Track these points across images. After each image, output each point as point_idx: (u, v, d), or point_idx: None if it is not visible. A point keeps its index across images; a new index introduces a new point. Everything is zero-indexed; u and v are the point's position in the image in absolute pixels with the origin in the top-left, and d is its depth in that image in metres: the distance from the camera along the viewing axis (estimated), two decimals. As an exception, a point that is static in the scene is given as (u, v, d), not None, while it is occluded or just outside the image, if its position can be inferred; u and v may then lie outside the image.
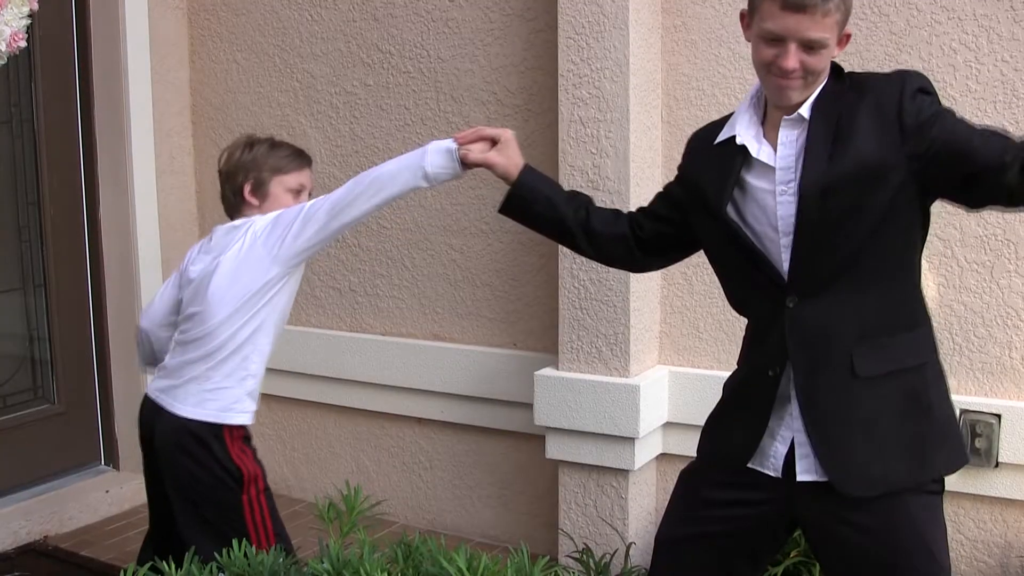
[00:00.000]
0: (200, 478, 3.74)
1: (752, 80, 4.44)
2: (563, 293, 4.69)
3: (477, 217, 5.10)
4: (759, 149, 2.97)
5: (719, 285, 4.63)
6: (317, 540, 2.61)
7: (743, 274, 3.08)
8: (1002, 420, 4.19)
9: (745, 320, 3.19)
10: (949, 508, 4.26)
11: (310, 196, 3.95)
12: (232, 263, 3.72)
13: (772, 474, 3.03)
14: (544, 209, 3.40)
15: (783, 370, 2.99)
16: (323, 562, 2.44)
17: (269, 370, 5.74)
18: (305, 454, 5.88)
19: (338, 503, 2.66)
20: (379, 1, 5.32)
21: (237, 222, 3.83)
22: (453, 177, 3.55)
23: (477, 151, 3.41)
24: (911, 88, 2.83)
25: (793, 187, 2.91)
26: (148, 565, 2.51)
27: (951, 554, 4.27)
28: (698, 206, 3.13)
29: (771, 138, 2.97)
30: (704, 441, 3.24)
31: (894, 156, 2.82)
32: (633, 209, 3.51)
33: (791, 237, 2.92)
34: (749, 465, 3.05)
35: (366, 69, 5.40)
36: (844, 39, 2.89)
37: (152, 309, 4.07)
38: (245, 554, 2.52)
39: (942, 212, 4.22)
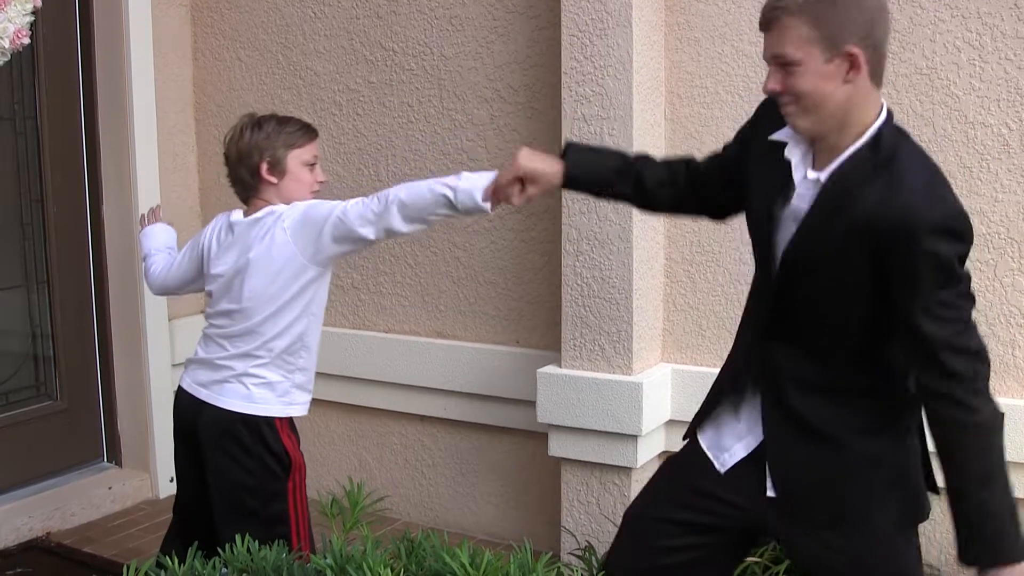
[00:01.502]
0: (248, 467, 3.75)
1: (755, 77, 4.47)
2: (566, 291, 4.69)
3: (480, 215, 5.11)
4: (798, 195, 2.83)
5: (722, 283, 4.65)
6: (320, 536, 2.62)
7: (758, 274, 3.07)
8: (1006, 419, 4.18)
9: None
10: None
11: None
12: (265, 262, 3.71)
13: (717, 467, 3.05)
14: (602, 185, 3.29)
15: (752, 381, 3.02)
16: (326, 557, 2.44)
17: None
18: (308, 451, 5.85)
19: (341, 499, 2.66)
20: (382, -2, 5.33)
21: (259, 213, 3.79)
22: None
23: (516, 199, 3.32)
24: (919, 241, 2.61)
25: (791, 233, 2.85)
26: (151, 562, 2.51)
27: (954, 552, 4.27)
28: (746, 189, 3.05)
29: (817, 163, 2.84)
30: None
31: (872, 278, 2.73)
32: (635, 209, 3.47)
33: (777, 274, 2.91)
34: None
35: (369, 66, 5.40)
36: (842, 62, 2.66)
37: (164, 279, 4.06)
38: (248, 549, 2.53)
39: (945, 210, 4.23)
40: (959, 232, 2.66)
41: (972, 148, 4.17)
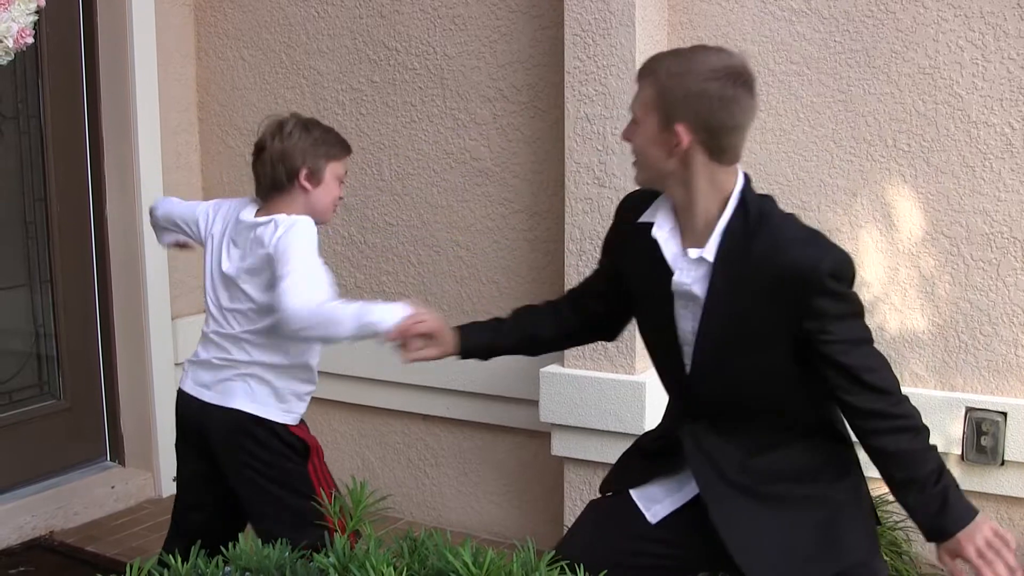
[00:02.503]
0: (266, 459, 3.74)
1: (757, 78, 4.45)
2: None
3: (483, 214, 5.11)
4: (677, 272, 2.93)
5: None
6: (323, 534, 2.62)
7: (660, 359, 3.17)
8: (1008, 418, 4.19)
9: None
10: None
11: None
12: (257, 277, 3.69)
13: (649, 518, 3.12)
14: (498, 353, 3.49)
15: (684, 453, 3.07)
16: (329, 556, 2.44)
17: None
18: (310, 451, 5.88)
19: (344, 498, 2.66)
20: (385, -2, 5.34)
21: (262, 219, 3.71)
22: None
23: (414, 352, 3.36)
24: (821, 284, 2.78)
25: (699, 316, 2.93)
26: (153, 561, 2.51)
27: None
28: (627, 282, 3.15)
29: (686, 242, 2.94)
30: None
31: (789, 330, 2.83)
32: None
33: (691, 360, 2.99)
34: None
35: (372, 66, 5.40)
36: (670, 136, 2.79)
37: (176, 209, 4.01)
38: (252, 548, 2.53)
39: (948, 210, 4.23)
40: (850, 275, 2.85)
41: (975, 147, 4.18)
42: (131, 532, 5.42)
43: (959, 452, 4.26)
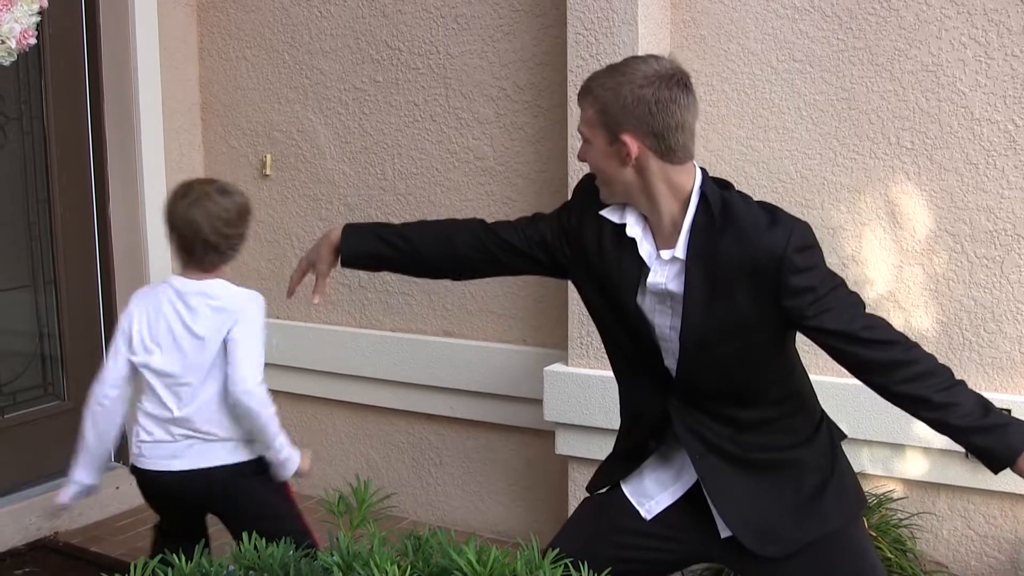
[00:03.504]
0: (261, 497, 3.80)
1: (760, 75, 4.47)
2: (573, 289, 4.68)
3: (486, 213, 5.10)
4: (652, 272, 2.99)
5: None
6: (327, 534, 2.61)
7: (629, 354, 3.17)
8: (1012, 415, 4.18)
9: None
10: (959, 503, 4.28)
11: None
12: (212, 348, 3.75)
13: (643, 514, 3.16)
14: (383, 267, 3.46)
15: (662, 442, 3.14)
16: (333, 555, 2.44)
17: (279, 366, 5.77)
18: (314, 450, 5.85)
19: (348, 497, 2.66)
20: (388, -3, 5.34)
21: (213, 294, 3.82)
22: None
23: (319, 287, 3.40)
24: (791, 263, 2.83)
25: (678, 312, 2.98)
26: (158, 558, 2.51)
27: (961, 549, 4.28)
28: (585, 272, 3.16)
29: (658, 241, 3.00)
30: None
31: (771, 313, 2.89)
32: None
33: (676, 356, 3.03)
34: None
35: (375, 65, 5.40)
36: (620, 146, 2.87)
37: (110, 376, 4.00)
38: (255, 547, 2.52)
39: (951, 207, 4.22)
40: (812, 242, 2.90)
41: (978, 145, 4.17)
42: (135, 533, 5.42)
43: (964, 449, 4.25)
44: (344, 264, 3.37)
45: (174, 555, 2.53)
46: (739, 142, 4.54)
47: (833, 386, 4.18)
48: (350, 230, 3.34)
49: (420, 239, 3.31)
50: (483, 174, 5.14)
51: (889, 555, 4.00)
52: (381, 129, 5.42)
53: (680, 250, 2.92)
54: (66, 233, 5.67)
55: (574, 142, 4.61)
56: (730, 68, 4.55)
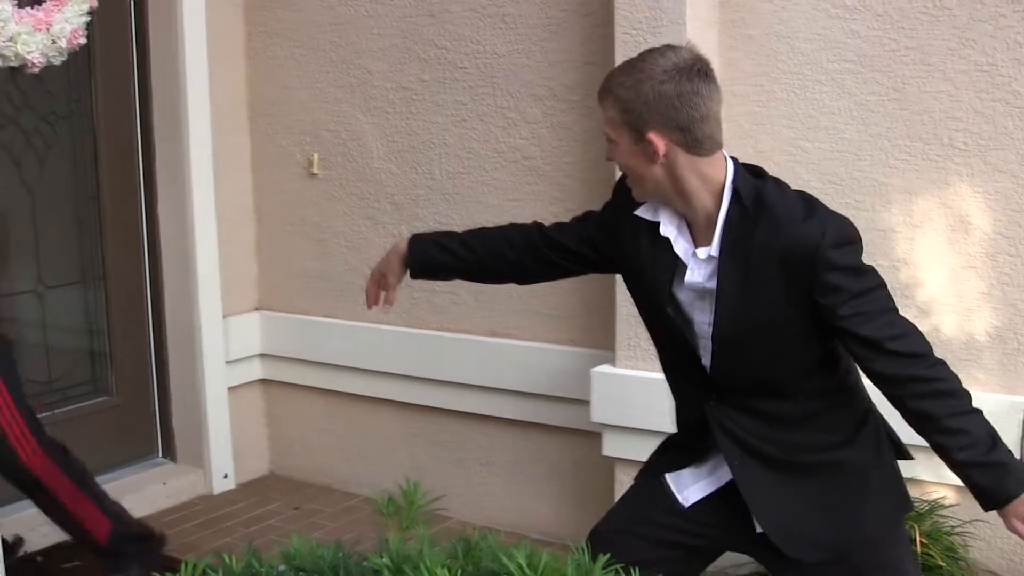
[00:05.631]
0: None
1: (810, 75, 4.44)
2: (620, 290, 4.66)
3: (534, 213, 5.08)
4: (689, 271, 2.97)
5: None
6: (375, 534, 2.61)
7: (670, 351, 3.19)
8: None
9: None
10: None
11: None
12: None
13: (680, 501, 3.16)
14: (449, 277, 3.55)
15: (703, 443, 3.13)
16: (383, 556, 2.44)
17: (327, 365, 5.80)
18: (361, 449, 5.90)
19: (396, 498, 2.66)
20: (435, -3, 5.34)
21: None
22: None
23: (391, 298, 3.48)
24: (826, 258, 2.80)
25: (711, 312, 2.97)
26: (208, 559, 2.51)
27: (1015, 558, 4.23)
28: (626, 269, 3.20)
29: (696, 238, 2.98)
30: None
31: (804, 307, 2.85)
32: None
33: (711, 352, 3.01)
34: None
35: (422, 65, 5.40)
36: (646, 145, 2.85)
37: None
38: (306, 547, 2.53)
39: (1006, 209, 4.18)
40: (852, 238, 2.87)
41: (1033, 146, 4.14)
42: (182, 528, 5.45)
43: (1017, 456, 4.21)
44: (413, 276, 3.44)
45: (223, 555, 2.53)
46: (788, 143, 4.51)
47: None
48: (416, 242, 3.40)
49: (482, 248, 3.36)
50: (530, 173, 5.13)
51: (941, 563, 3.96)
52: (428, 128, 5.42)
53: (715, 247, 2.89)
54: (115, 230, 5.71)
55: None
56: (779, 68, 4.52)
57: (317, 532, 5.28)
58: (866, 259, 4.33)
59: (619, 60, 4.59)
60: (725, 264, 2.88)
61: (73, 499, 4.49)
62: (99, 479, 5.60)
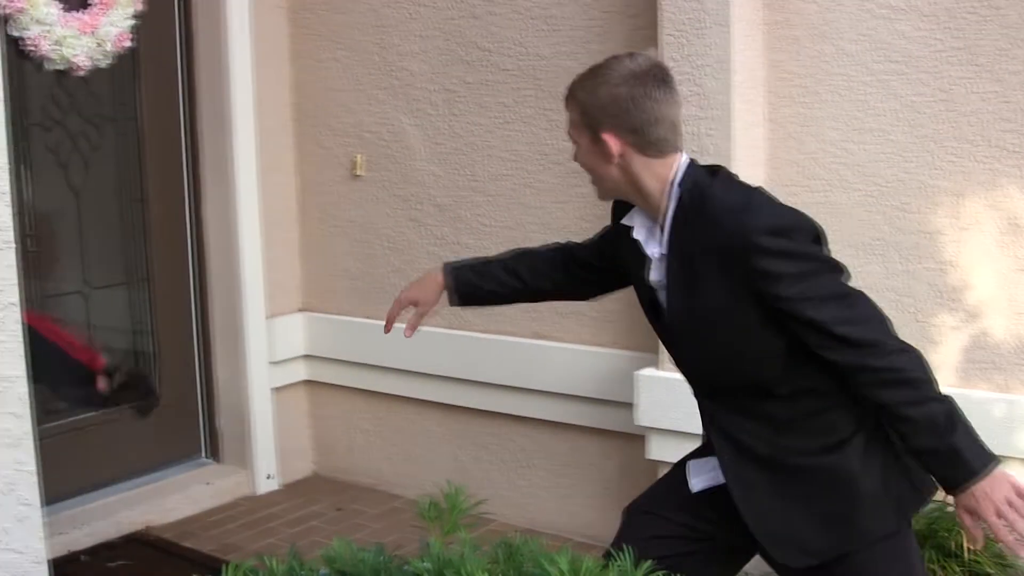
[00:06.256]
0: None
1: (856, 76, 4.41)
2: (664, 292, 4.66)
3: (578, 215, 5.08)
4: (653, 270, 3.05)
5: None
6: (418, 538, 2.61)
7: (666, 348, 3.28)
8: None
9: None
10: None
11: None
12: None
13: (691, 487, 3.20)
14: (492, 303, 3.67)
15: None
16: (424, 560, 2.43)
17: (371, 366, 5.80)
18: (404, 450, 5.90)
19: (439, 501, 2.65)
20: (479, -2, 5.33)
21: None
22: None
23: (413, 320, 3.55)
24: (757, 245, 2.81)
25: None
26: (250, 561, 2.51)
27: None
28: (625, 275, 3.27)
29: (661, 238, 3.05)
30: None
31: (748, 298, 2.87)
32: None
33: (678, 347, 3.12)
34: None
35: (465, 67, 5.40)
36: (603, 147, 2.94)
37: None
38: (347, 550, 2.53)
39: (1051, 211, 4.15)
40: (789, 227, 2.87)
41: (1085, 147, 4.09)
42: (226, 529, 5.48)
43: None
44: (455, 304, 3.52)
45: (265, 557, 2.53)
46: (834, 144, 4.49)
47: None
48: (457, 271, 3.48)
49: (527, 273, 3.47)
50: (574, 176, 5.09)
51: (990, 570, 3.93)
52: (471, 130, 5.42)
53: (664, 246, 2.98)
54: (160, 232, 5.74)
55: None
56: (824, 70, 4.49)
57: (360, 533, 5.29)
58: (912, 261, 4.32)
59: (664, 62, 4.58)
60: (671, 261, 2.97)
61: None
62: (144, 478, 5.68)
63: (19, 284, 3.65)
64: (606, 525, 5.19)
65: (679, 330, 3.04)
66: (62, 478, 5.22)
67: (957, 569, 3.95)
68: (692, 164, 2.99)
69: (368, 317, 5.86)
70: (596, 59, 4.95)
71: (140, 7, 5.38)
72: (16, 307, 3.62)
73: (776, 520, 3.03)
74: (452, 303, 3.49)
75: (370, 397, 5.98)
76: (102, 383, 3.86)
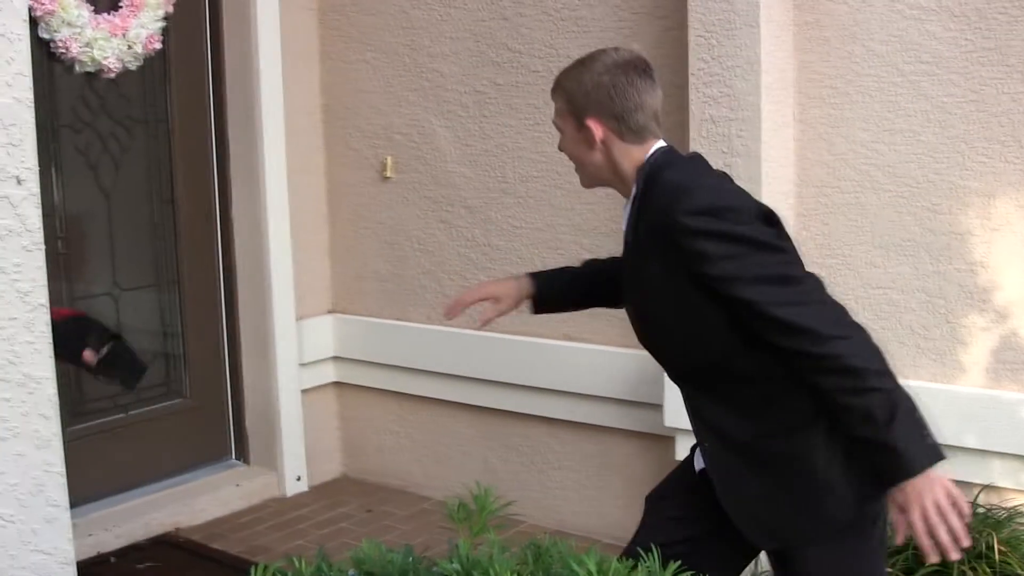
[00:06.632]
0: None
1: (886, 77, 4.40)
2: (693, 293, 4.65)
3: (607, 216, 5.07)
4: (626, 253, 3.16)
5: (853, 287, 4.57)
6: (447, 540, 2.61)
7: None
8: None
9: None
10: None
11: None
12: None
13: (696, 465, 3.26)
14: (570, 309, 3.79)
15: None
16: (453, 562, 2.43)
17: (402, 368, 5.81)
18: (433, 451, 5.91)
19: (467, 502, 2.65)
20: (508, 0, 5.32)
21: None
22: None
23: (490, 314, 3.56)
24: (684, 226, 2.86)
25: None
26: (278, 563, 2.52)
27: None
28: None
29: None
30: None
31: (686, 280, 2.91)
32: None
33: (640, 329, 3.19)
34: None
35: (495, 68, 5.40)
36: (587, 132, 3.04)
37: None
38: (376, 552, 2.53)
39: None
40: (720, 208, 2.88)
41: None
42: (255, 531, 5.48)
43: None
44: (533, 313, 3.63)
45: (294, 558, 2.54)
46: (864, 146, 4.47)
47: (960, 396, 4.11)
48: (543, 287, 3.57)
49: (598, 279, 3.55)
50: (603, 177, 5.11)
51: (1020, 571, 3.90)
52: (501, 132, 5.42)
53: (627, 227, 3.08)
54: (189, 234, 5.75)
55: (696, 146, 4.57)
56: (854, 70, 4.48)
57: (389, 535, 5.30)
58: (943, 262, 4.30)
59: (692, 63, 4.58)
60: (628, 243, 3.07)
61: None
62: (173, 480, 5.70)
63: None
64: (635, 526, 5.20)
65: (635, 311, 3.14)
66: (91, 480, 5.26)
67: (987, 570, 3.92)
68: (664, 149, 3.07)
69: (398, 319, 5.86)
70: (625, 60, 4.98)
71: (169, 9, 5.40)
72: (45, 309, 3.63)
73: (746, 503, 3.05)
74: (531, 311, 3.60)
75: (399, 399, 5.98)
76: (88, 355, 3.87)
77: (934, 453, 2.78)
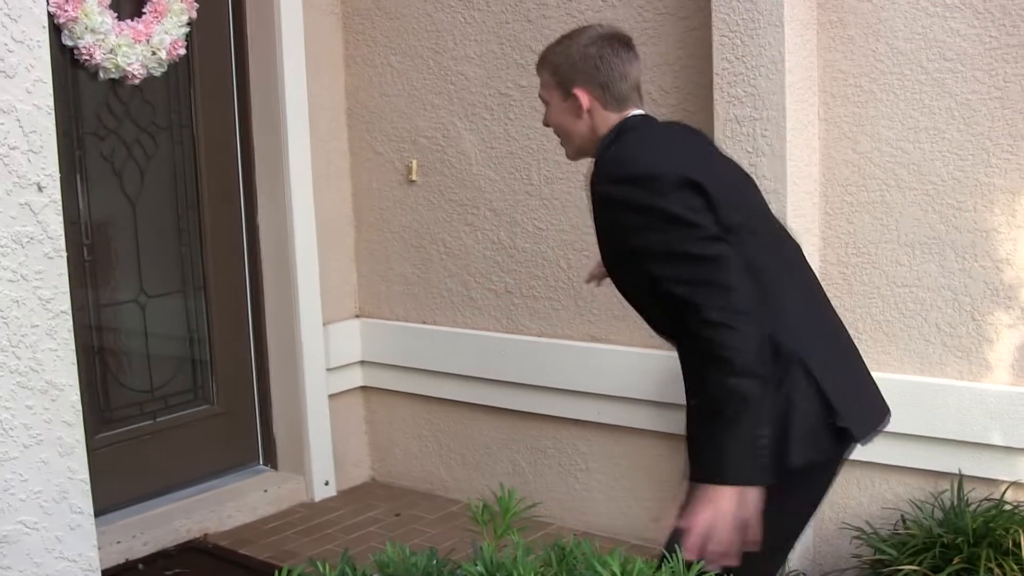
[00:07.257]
0: None
1: (910, 75, 4.38)
2: (718, 294, 4.63)
3: (631, 217, 5.07)
4: None
5: (878, 285, 4.56)
6: (471, 542, 2.61)
7: None
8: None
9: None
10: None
11: None
12: None
13: None
14: None
15: None
16: (476, 564, 2.43)
17: (427, 371, 5.81)
18: (461, 455, 5.90)
19: (492, 505, 2.65)
20: (532, 2, 5.32)
21: None
22: None
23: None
24: (599, 193, 3.04)
25: None
26: (302, 566, 2.52)
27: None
28: None
29: None
30: None
31: (617, 239, 3.08)
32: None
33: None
34: None
35: (520, 70, 5.40)
36: (574, 101, 3.18)
37: None
38: (399, 555, 2.52)
39: (1113, 208, 4.09)
40: (637, 176, 2.98)
41: None
42: (283, 536, 5.49)
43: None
44: None
45: (317, 562, 2.54)
46: (888, 144, 4.45)
47: (986, 393, 4.08)
48: None
49: None
50: (627, 178, 5.10)
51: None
52: (526, 134, 5.41)
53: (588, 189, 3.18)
54: (215, 239, 5.76)
55: (720, 145, 4.55)
56: (879, 68, 4.46)
57: (417, 539, 5.29)
58: (968, 260, 4.28)
59: (717, 63, 4.57)
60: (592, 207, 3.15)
61: None
62: (201, 486, 5.71)
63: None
64: (662, 528, 5.18)
65: (606, 267, 3.26)
66: (119, 487, 5.28)
67: (1014, 567, 3.91)
68: (637, 116, 3.21)
69: (424, 322, 5.87)
70: (650, 62, 4.99)
71: (193, 14, 5.42)
72: (68, 316, 3.65)
73: (694, 444, 3.07)
74: None
75: (426, 402, 5.99)
76: None
77: (754, 476, 2.83)
